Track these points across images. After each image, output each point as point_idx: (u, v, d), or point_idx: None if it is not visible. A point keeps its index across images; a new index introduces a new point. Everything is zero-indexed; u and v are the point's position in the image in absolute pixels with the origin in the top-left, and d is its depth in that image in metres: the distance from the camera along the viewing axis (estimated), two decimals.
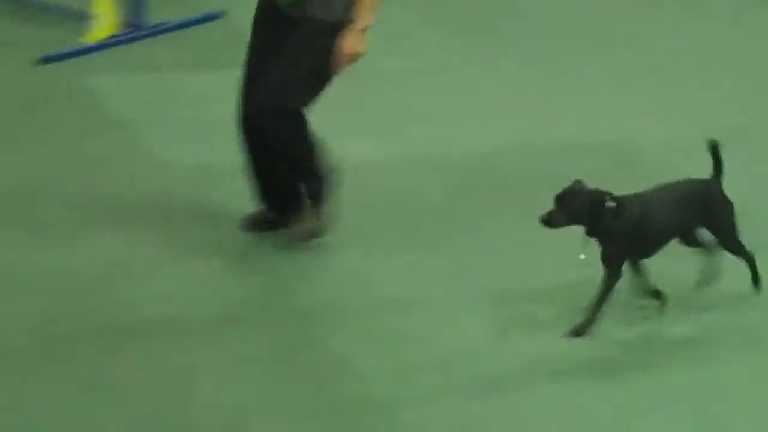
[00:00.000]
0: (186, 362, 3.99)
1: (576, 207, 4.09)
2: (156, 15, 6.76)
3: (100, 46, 6.55)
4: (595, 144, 5.49)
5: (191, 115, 5.98)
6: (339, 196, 4.71)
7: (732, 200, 4.28)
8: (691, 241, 4.39)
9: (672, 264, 4.40)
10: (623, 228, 4.12)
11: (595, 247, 4.17)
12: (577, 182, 4.16)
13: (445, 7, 7.10)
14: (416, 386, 3.88)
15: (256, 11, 4.65)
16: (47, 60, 6.34)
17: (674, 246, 4.36)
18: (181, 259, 4.66)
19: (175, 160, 5.50)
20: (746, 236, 4.30)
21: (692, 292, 4.30)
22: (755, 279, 4.36)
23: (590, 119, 5.76)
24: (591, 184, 4.15)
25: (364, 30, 4.50)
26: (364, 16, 4.50)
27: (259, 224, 4.71)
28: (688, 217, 4.26)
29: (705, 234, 4.35)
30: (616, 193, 4.14)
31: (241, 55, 4.62)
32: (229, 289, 4.48)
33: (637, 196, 4.22)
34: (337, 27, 4.51)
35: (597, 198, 4.12)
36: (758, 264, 4.34)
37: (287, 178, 4.70)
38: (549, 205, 4.06)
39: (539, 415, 3.78)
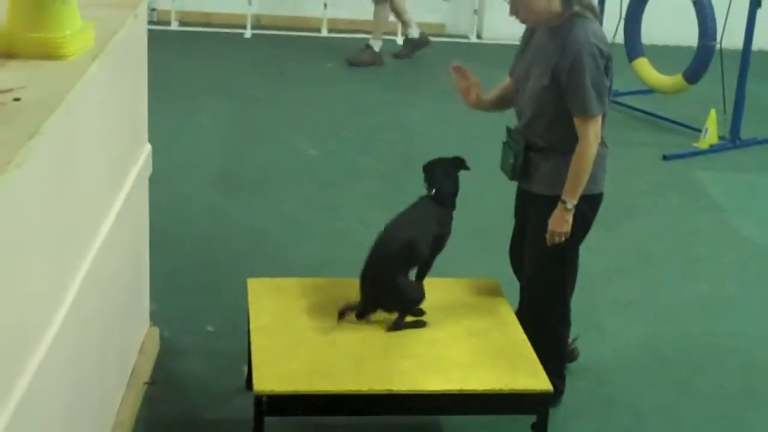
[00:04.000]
0: None
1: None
2: (747, 132, 7.42)
3: (707, 151, 7.26)
4: None
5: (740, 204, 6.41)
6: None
7: None
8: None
9: None
10: None
11: None
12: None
13: None
14: None
15: None
16: (670, 157, 7.04)
17: None
18: None
19: (755, 238, 5.91)
20: None
21: None
22: None
23: None
24: None
25: (570, 210, 3.84)
26: (570, 196, 3.83)
27: None
28: None
29: None
30: None
31: None
32: None
33: None
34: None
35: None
36: None
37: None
38: None
39: None
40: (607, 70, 3.83)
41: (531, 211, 4.00)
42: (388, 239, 3.88)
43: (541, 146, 3.94)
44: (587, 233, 4.06)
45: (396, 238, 3.88)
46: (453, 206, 4.00)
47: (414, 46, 8.97)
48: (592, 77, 3.76)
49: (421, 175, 4.08)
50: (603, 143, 3.96)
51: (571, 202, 3.84)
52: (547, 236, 3.91)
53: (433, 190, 3.95)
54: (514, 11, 3.88)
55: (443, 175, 3.96)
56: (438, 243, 3.97)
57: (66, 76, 2.60)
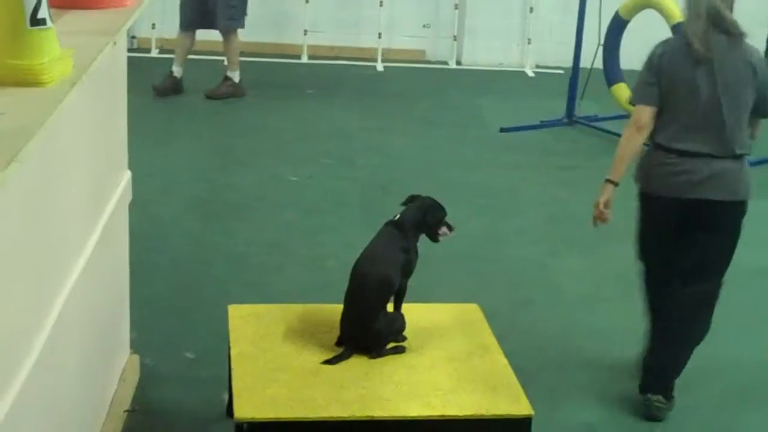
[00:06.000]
0: None
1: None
2: None
3: None
4: None
5: None
6: None
7: None
8: None
9: None
10: None
11: None
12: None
13: None
14: None
15: None
16: None
17: None
18: None
19: (743, 261, 5.42)
20: None
21: None
22: None
23: None
24: None
25: (606, 182, 4.31)
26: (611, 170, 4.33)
27: None
28: None
29: None
30: None
31: None
32: None
33: None
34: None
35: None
36: None
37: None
38: None
39: None
40: (655, 70, 4.31)
41: None
42: (360, 281, 3.88)
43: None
44: (653, 233, 4.38)
45: (368, 279, 3.87)
46: (416, 236, 3.98)
47: (232, 89, 8.61)
48: (641, 74, 4.36)
49: (401, 200, 4.09)
50: (662, 148, 4.29)
51: (609, 176, 4.32)
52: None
53: (396, 216, 3.98)
54: None
55: (416, 208, 3.96)
56: (406, 269, 3.96)
57: (44, 103, 2.60)
